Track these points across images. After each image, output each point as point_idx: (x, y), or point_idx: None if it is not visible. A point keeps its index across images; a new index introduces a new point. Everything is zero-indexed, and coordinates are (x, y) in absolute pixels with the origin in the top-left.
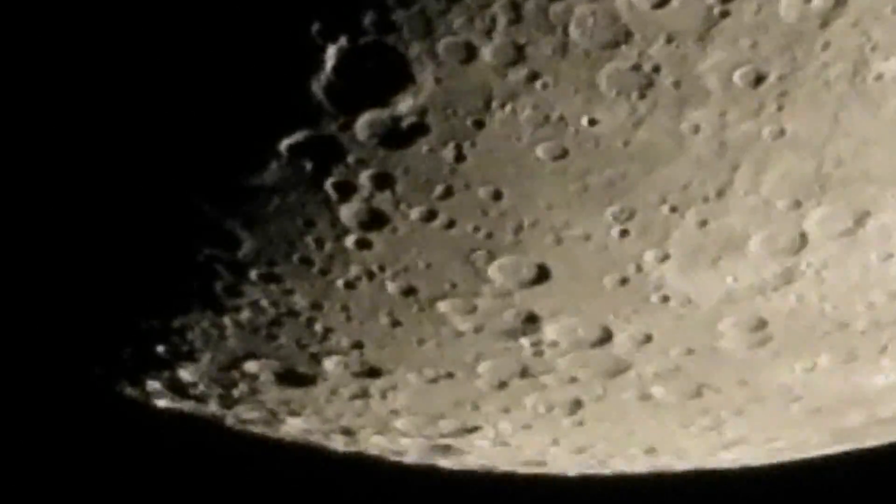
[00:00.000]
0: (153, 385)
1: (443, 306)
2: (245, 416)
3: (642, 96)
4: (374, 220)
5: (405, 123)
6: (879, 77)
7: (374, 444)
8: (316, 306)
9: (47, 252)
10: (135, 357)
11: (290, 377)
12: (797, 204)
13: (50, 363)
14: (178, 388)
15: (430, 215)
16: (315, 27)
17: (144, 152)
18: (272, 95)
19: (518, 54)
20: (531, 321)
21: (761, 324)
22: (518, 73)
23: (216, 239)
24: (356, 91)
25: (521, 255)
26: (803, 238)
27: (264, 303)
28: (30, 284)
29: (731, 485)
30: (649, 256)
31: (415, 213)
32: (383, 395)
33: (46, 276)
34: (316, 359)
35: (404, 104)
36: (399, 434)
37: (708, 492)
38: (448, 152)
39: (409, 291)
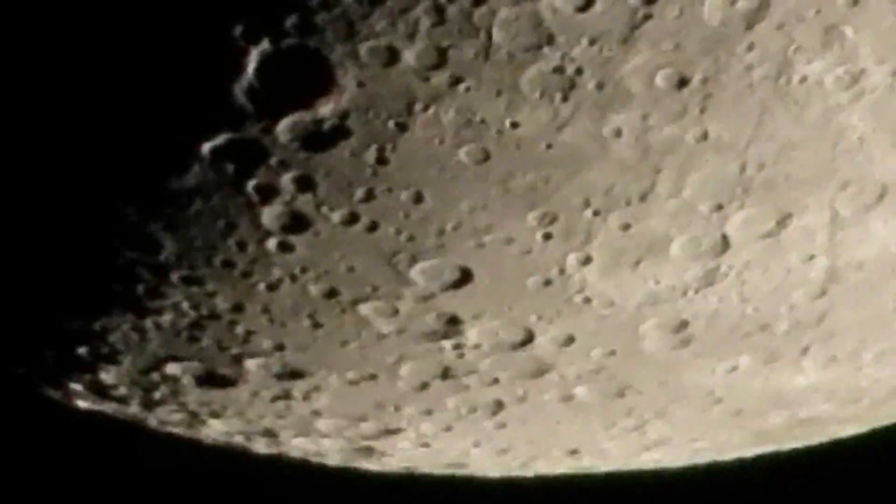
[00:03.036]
0: (75, 386)
1: (365, 309)
2: (167, 419)
3: (565, 99)
4: (296, 222)
5: (327, 126)
6: (804, 80)
7: (295, 445)
8: (238, 308)
9: None
10: (56, 358)
11: (211, 379)
12: (719, 207)
13: None
14: (99, 390)
15: (352, 218)
16: (237, 30)
17: (65, 154)
18: (194, 98)
19: (441, 57)
20: (453, 323)
21: (683, 325)
22: (440, 77)
23: (138, 242)
24: (278, 94)
25: (444, 258)
26: (725, 240)
27: (186, 305)
28: None
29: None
30: (572, 259)
31: (337, 216)
32: (305, 397)
33: None
34: (238, 360)
35: (326, 107)
36: (321, 436)
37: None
38: (370, 155)
39: (332, 294)
